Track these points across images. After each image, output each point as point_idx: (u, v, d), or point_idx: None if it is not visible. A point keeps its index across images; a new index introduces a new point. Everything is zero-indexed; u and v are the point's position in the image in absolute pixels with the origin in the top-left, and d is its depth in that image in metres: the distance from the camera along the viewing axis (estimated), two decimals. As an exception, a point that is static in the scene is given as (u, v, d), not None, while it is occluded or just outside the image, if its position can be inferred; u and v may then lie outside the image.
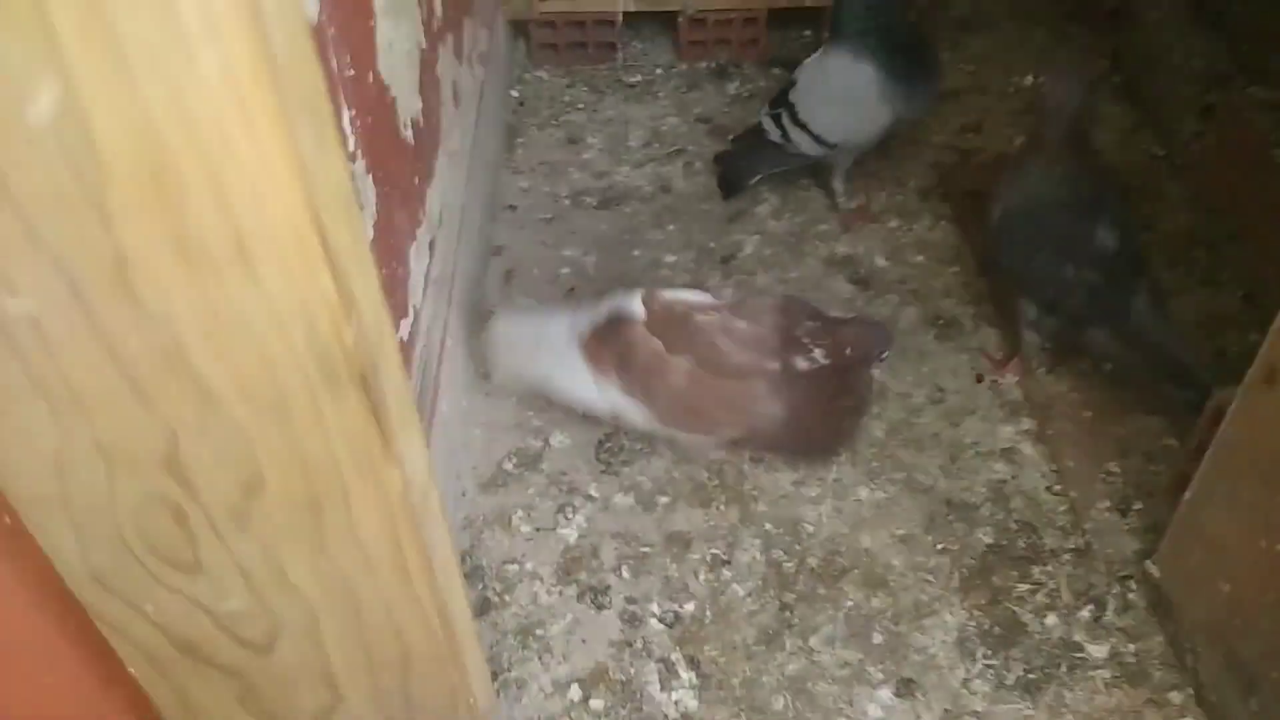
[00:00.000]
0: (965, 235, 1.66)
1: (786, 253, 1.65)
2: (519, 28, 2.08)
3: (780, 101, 1.64)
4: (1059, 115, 1.29)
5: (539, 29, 2.04)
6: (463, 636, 0.82)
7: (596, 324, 1.25)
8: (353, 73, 0.95)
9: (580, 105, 1.98)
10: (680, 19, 2.03)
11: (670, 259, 1.63)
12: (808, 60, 1.65)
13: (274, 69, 0.46)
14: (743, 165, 1.72)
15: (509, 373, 1.36)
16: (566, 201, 1.75)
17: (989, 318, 1.53)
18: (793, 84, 1.64)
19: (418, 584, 0.72)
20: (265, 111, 0.46)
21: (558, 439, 1.37)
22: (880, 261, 1.63)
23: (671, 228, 1.69)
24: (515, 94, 1.99)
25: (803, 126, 1.61)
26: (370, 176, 1.00)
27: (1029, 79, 1.99)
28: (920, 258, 1.63)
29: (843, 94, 1.59)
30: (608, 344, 1.24)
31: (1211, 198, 1.69)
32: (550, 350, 1.29)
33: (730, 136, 1.81)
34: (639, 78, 2.04)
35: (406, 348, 1.14)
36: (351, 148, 0.94)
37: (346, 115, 0.92)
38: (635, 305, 1.24)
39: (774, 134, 1.65)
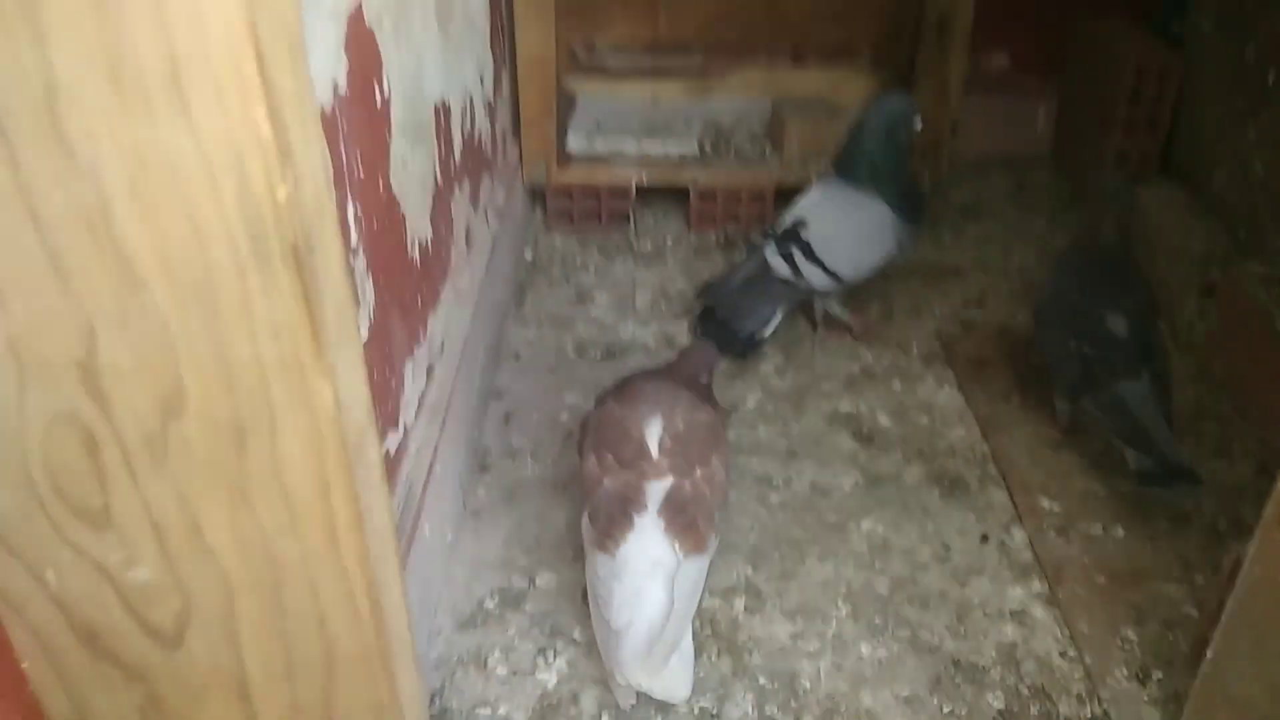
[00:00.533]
0: (969, 400, 1.65)
1: (789, 408, 1.63)
2: (536, 194, 2.17)
3: (789, 239, 1.69)
4: (1106, 213, 1.58)
5: (556, 196, 2.12)
6: (394, 634, 0.73)
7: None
8: (363, 175, 0.98)
9: (591, 267, 2.03)
10: (691, 193, 2.11)
11: (671, 408, 1.62)
12: (807, 200, 1.73)
13: None
14: (758, 309, 1.69)
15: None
16: (571, 353, 1.76)
17: (994, 479, 1.49)
18: (801, 223, 1.69)
19: (345, 550, 0.64)
20: None
21: (544, 578, 1.31)
22: (884, 420, 1.61)
23: (674, 379, 1.68)
24: (528, 254, 2.05)
25: (818, 262, 1.67)
26: (370, 278, 1.01)
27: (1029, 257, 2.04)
28: (924, 419, 1.61)
29: (859, 230, 1.69)
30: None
31: (1218, 373, 1.68)
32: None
33: (707, 284, 1.79)
34: (649, 245, 2.10)
35: (392, 462, 1.11)
36: (354, 243, 0.95)
37: (351, 209, 0.93)
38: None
39: (783, 271, 1.68)
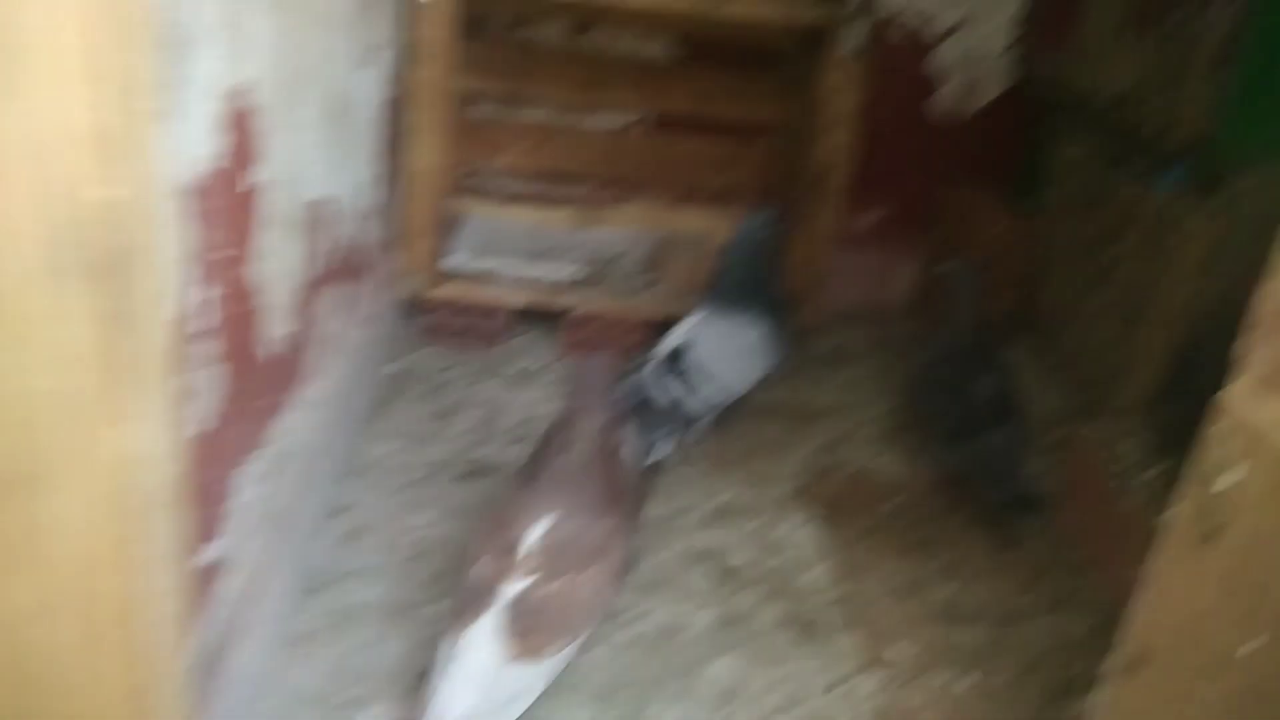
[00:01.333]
0: (826, 541, 1.65)
1: (648, 540, 1.59)
2: (409, 307, 2.13)
3: (670, 368, 1.72)
4: (959, 297, 1.77)
5: (429, 311, 2.09)
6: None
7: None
8: (220, 256, 0.93)
9: (457, 385, 1.98)
10: (565, 317, 2.11)
11: (525, 534, 1.56)
12: (687, 326, 1.78)
13: None
14: (640, 444, 1.65)
15: None
16: (427, 470, 1.69)
17: (848, 623, 1.47)
18: (681, 350, 1.73)
19: (107, 647, 0.52)
20: None
21: (365, 717, 1.21)
22: (741, 558, 1.59)
23: (531, 504, 1.63)
24: (394, 366, 2.00)
25: (696, 389, 1.71)
26: (211, 368, 0.94)
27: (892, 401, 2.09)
28: (781, 558, 1.60)
29: (739, 354, 1.75)
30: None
31: (1062, 527, 1.73)
32: None
33: None
34: (520, 366, 2.08)
35: (207, 575, 1.02)
36: (200, 328, 0.89)
37: (203, 291, 0.88)
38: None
39: (664, 400, 1.70)
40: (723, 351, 1.74)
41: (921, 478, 1.82)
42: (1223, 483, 0.82)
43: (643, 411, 1.69)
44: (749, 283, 1.75)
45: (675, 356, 1.73)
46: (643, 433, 1.67)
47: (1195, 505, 0.85)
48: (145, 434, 0.52)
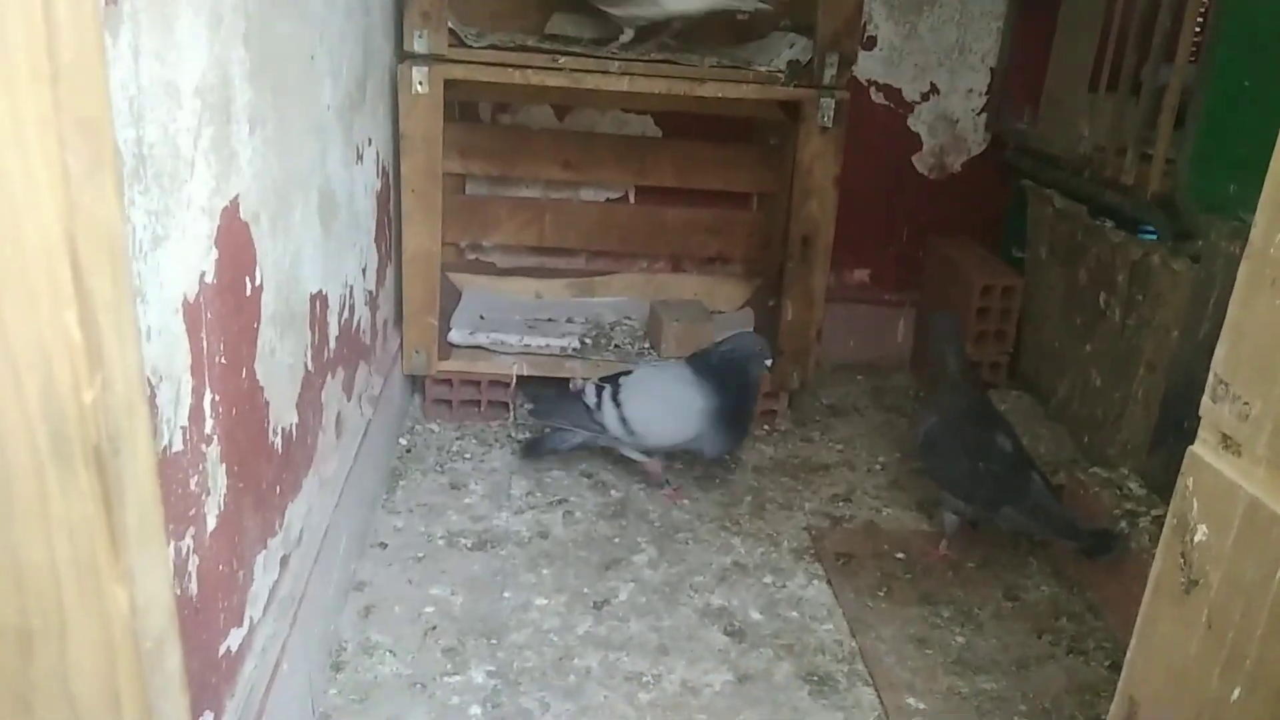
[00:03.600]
0: (838, 596, 1.67)
1: (661, 601, 1.62)
2: (416, 382, 2.18)
3: (611, 380, 1.88)
4: (946, 351, 1.79)
5: (435, 385, 2.13)
6: None
7: None
8: (225, 362, 0.97)
9: (467, 456, 2.02)
10: (570, 383, 2.16)
11: (541, 602, 1.58)
12: (642, 365, 1.96)
13: (55, 73, 0.43)
14: (550, 410, 1.95)
15: None
16: (441, 542, 1.72)
17: (862, 676, 1.49)
18: (629, 372, 1.90)
19: None
20: (37, 117, 0.43)
21: (394, 789, 1.22)
22: (754, 615, 1.61)
23: (546, 572, 1.66)
24: (403, 441, 2.03)
25: (618, 405, 1.83)
26: (224, 466, 0.98)
27: (890, 456, 2.13)
28: (794, 614, 1.62)
29: (666, 407, 1.84)
30: None
31: (1071, 571, 1.75)
32: None
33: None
34: (527, 435, 2.12)
35: (234, 661, 1.05)
36: (208, 430, 0.93)
37: (208, 397, 0.92)
38: None
39: (590, 399, 1.86)
40: (657, 395, 1.86)
41: (956, 542, 1.80)
42: (1199, 534, 0.86)
43: (569, 397, 1.92)
44: (722, 367, 1.85)
45: (618, 377, 1.88)
46: (557, 407, 1.94)
47: (1175, 556, 0.89)
48: (147, 587, 0.59)
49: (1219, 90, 1.67)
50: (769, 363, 1.89)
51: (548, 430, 1.97)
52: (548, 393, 2.03)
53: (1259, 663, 0.80)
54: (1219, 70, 1.67)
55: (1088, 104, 2.08)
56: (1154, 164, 1.80)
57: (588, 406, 1.86)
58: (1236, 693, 0.82)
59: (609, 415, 1.85)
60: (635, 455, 1.92)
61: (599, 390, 1.87)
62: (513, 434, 2.12)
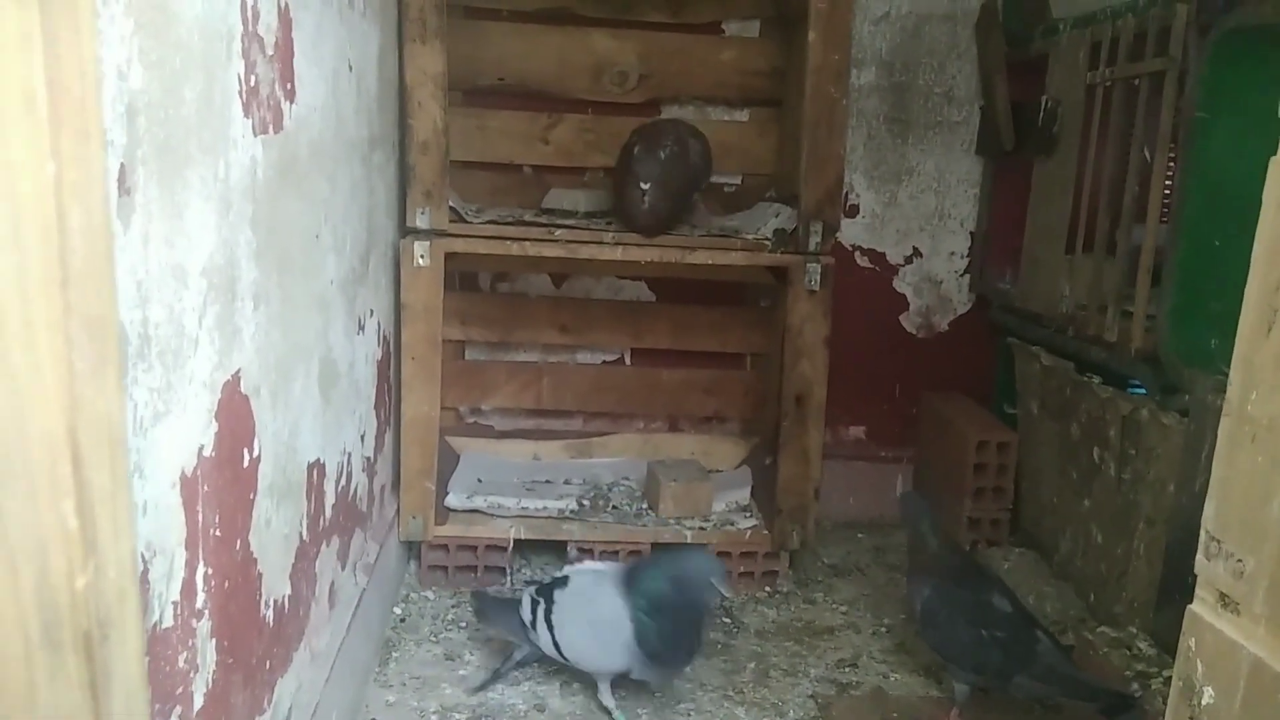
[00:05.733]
0: (847, 768, 1.60)
1: (661, 779, 1.55)
2: (412, 548, 2.15)
3: (546, 593, 1.72)
4: (920, 526, 1.75)
5: (431, 551, 2.11)
6: None
7: None
8: (220, 534, 0.97)
9: (463, 624, 1.97)
10: (569, 546, 2.14)
11: (536, 781, 1.52)
12: (590, 569, 1.78)
13: (66, 277, 0.45)
14: (492, 616, 1.81)
15: None
16: (434, 718, 1.66)
17: None
18: (564, 583, 1.74)
19: None
20: (47, 320, 0.45)
21: None
22: (760, 792, 1.54)
23: (542, 748, 1.60)
24: (398, 610, 2.00)
25: (550, 627, 1.69)
26: (214, 641, 0.97)
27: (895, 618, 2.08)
28: (802, 789, 1.55)
29: (594, 636, 1.68)
30: None
31: (1085, 736, 1.69)
32: None
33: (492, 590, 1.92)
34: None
35: None
36: (199, 604, 0.92)
37: (201, 570, 0.92)
38: None
39: (525, 614, 1.73)
40: (587, 616, 1.68)
41: (968, 709, 1.71)
42: (1206, 697, 0.84)
43: (506, 607, 1.78)
44: (664, 599, 1.64)
45: (552, 588, 1.73)
46: (495, 614, 1.80)
47: (1184, 721, 0.87)
48: None
49: (1190, 248, 1.74)
50: (724, 591, 1.66)
51: (486, 610, 1.82)
52: (496, 590, 1.94)
53: (1280, 836, 0.76)
54: (1188, 229, 1.74)
55: (1066, 264, 2.15)
56: (1134, 321, 1.85)
57: (524, 623, 1.72)
58: None
59: (543, 636, 1.70)
60: (608, 703, 1.71)
61: (534, 606, 1.71)
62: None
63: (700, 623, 1.68)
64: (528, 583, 1.90)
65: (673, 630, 1.64)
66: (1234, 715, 0.82)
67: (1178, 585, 1.66)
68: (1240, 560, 0.84)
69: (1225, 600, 0.85)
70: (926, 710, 1.77)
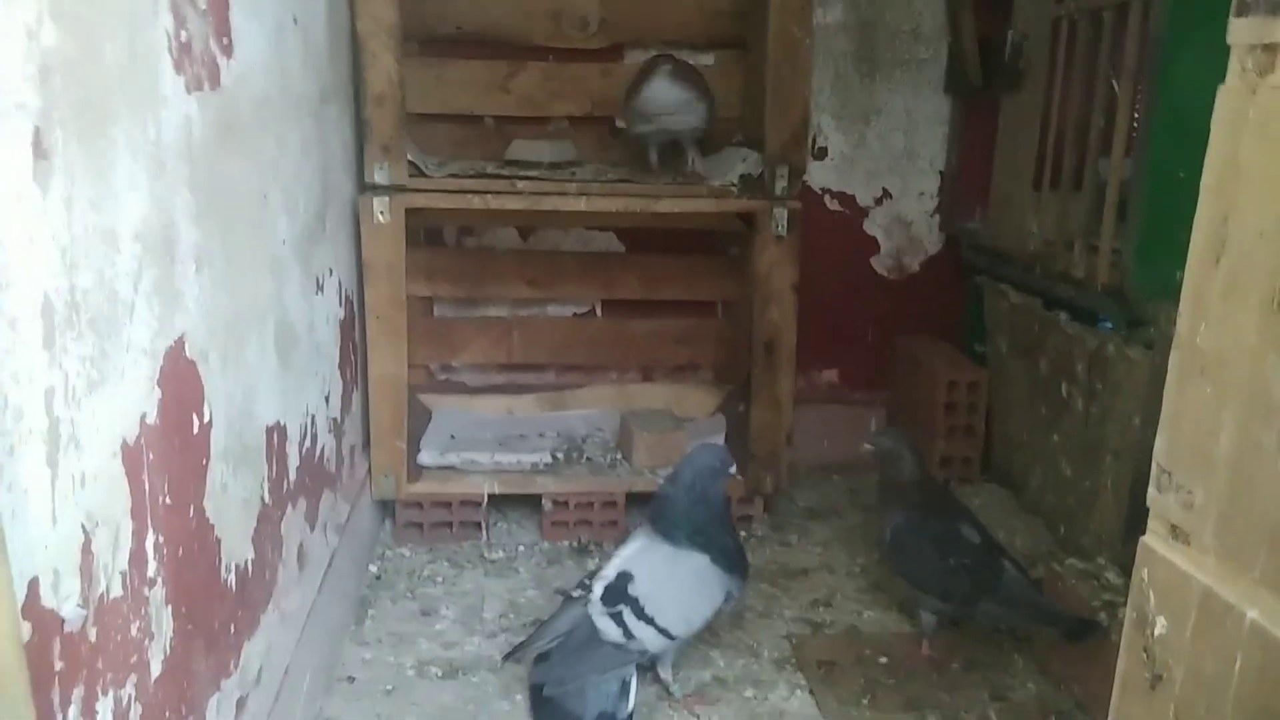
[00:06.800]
0: (821, 706, 1.63)
1: (638, 724, 1.57)
2: (386, 507, 2.15)
3: (617, 596, 1.54)
4: (895, 461, 1.78)
5: (405, 508, 2.11)
6: None
7: None
8: (170, 502, 0.96)
9: (439, 579, 1.98)
10: (544, 502, 2.14)
11: (513, 731, 1.54)
12: (630, 552, 1.61)
13: None
14: (574, 672, 1.52)
15: None
16: (411, 672, 1.67)
17: (849, 793, 1.44)
18: (626, 576, 1.56)
19: None
20: None
21: None
22: (736, 733, 1.56)
23: (519, 698, 1.61)
24: (373, 569, 2.00)
25: (649, 621, 1.52)
26: (169, 608, 0.96)
27: (868, 558, 2.10)
28: (777, 728, 1.57)
29: (690, 586, 1.58)
30: None
31: (1055, 669, 1.71)
32: None
33: (533, 651, 1.55)
34: (501, 554, 2.09)
35: (183, 814, 1.00)
36: (151, 573, 0.91)
37: (151, 538, 0.91)
38: None
39: (613, 634, 1.51)
40: (671, 583, 1.58)
41: (939, 642, 1.76)
42: (1159, 628, 0.85)
43: (592, 652, 1.52)
44: (696, 521, 1.61)
45: (622, 584, 1.55)
46: (583, 668, 1.52)
47: (1139, 651, 0.87)
48: None
49: (1156, 182, 1.73)
50: (733, 470, 1.68)
51: (573, 677, 1.53)
52: (555, 652, 1.54)
53: (1229, 760, 0.78)
54: (1154, 163, 1.73)
55: (1034, 201, 2.14)
56: (1101, 256, 1.84)
57: (615, 644, 1.52)
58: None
59: (647, 636, 1.52)
60: (667, 676, 1.62)
61: (615, 617, 1.52)
62: (485, 554, 2.09)
63: (728, 511, 1.70)
64: (542, 654, 1.57)
65: (722, 536, 1.63)
66: (1185, 644, 0.83)
67: (1144, 517, 1.67)
68: (1190, 492, 0.84)
69: (1176, 532, 0.86)
70: (899, 646, 1.80)
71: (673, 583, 1.58)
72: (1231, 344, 0.80)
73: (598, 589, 1.56)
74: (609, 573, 1.58)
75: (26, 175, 0.71)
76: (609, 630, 1.52)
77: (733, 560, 1.63)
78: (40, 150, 0.72)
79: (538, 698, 1.53)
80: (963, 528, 1.71)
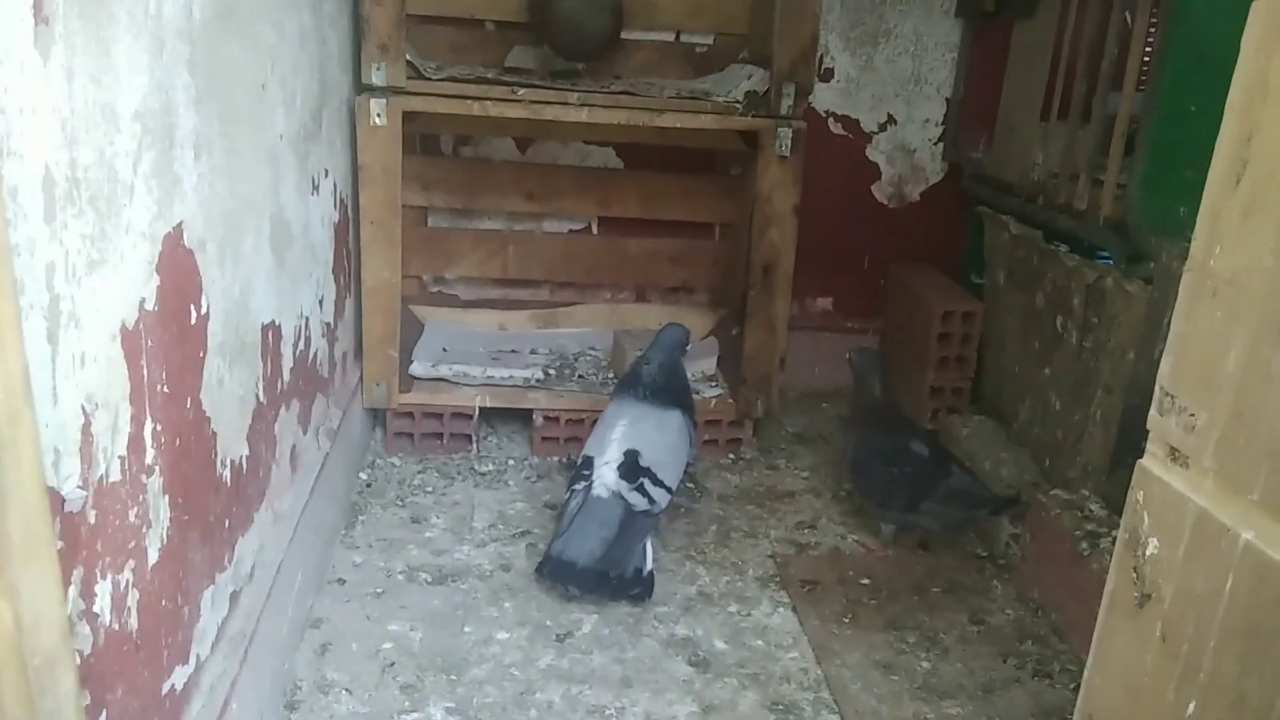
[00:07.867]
0: (803, 623, 1.66)
1: (625, 633, 1.59)
2: (377, 415, 2.15)
3: (635, 472, 1.70)
4: (869, 379, 1.92)
5: (396, 418, 2.11)
6: None
7: None
8: (168, 391, 0.95)
9: (429, 489, 1.99)
10: (535, 417, 2.14)
11: (502, 636, 1.56)
12: (623, 428, 1.76)
13: None
14: (630, 551, 1.66)
15: None
16: (400, 577, 1.69)
17: (828, 704, 1.47)
18: (635, 453, 1.72)
19: None
20: None
21: (349, 831, 1.19)
22: (719, 644, 1.59)
23: (508, 605, 1.63)
24: (364, 476, 2.01)
25: (660, 484, 1.72)
26: (166, 498, 0.96)
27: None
28: (759, 642, 1.60)
29: (675, 443, 1.80)
30: None
31: (1036, 594, 1.75)
32: None
33: (557, 560, 1.63)
34: (491, 467, 2.10)
35: (178, 700, 1.02)
36: (149, 460, 0.91)
37: (149, 426, 0.90)
38: None
39: (641, 504, 1.69)
40: (667, 447, 1.78)
41: (899, 554, 1.88)
42: (1151, 548, 0.86)
43: (632, 528, 1.66)
44: (670, 379, 1.85)
45: (635, 460, 1.71)
46: (635, 546, 1.67)
47: (1128, 571, 0.89)
48: (35, 603, 0.58)
49: (1166, 116, 1.70)
50: (689, 348, 1.94)
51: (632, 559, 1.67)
52: (592, 539, 1.65)
53: (1213, 676, 0.79)
54: (1165, 96, 1.70)
55: (1040, 132, 2.11)
56: (1105, 189, 1.83)
57: (644, 511, 1.69)
58: (1192, 707, 0.81)
59: (663, 498, 1.73)
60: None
61: (640, 490, 1.69)
62: (475, 466, 2.10)
63: (687, 376, 1.96)
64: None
65: (686, 396, 1.89)
66: (1176, 563, 0.84)
67: (1131, 450, 1.69)
68: (1193, 415, 0.84)
69: (1175, 454, 0.86)
70: (880, 567, 1.83)
71: (666, 443, 1.78)
72: (1247, 266, 0.79)
73: (608, 474, 1.70)
74: (613, 455, 1.72)
75: (28, 40, 0.68)
76: (638, 502, 1.69)
77: (694, 415, 1.89)
78: (41, 15, 0.70)
79: (584, 577, 1.63)
80: (913, 443, 1.86)
